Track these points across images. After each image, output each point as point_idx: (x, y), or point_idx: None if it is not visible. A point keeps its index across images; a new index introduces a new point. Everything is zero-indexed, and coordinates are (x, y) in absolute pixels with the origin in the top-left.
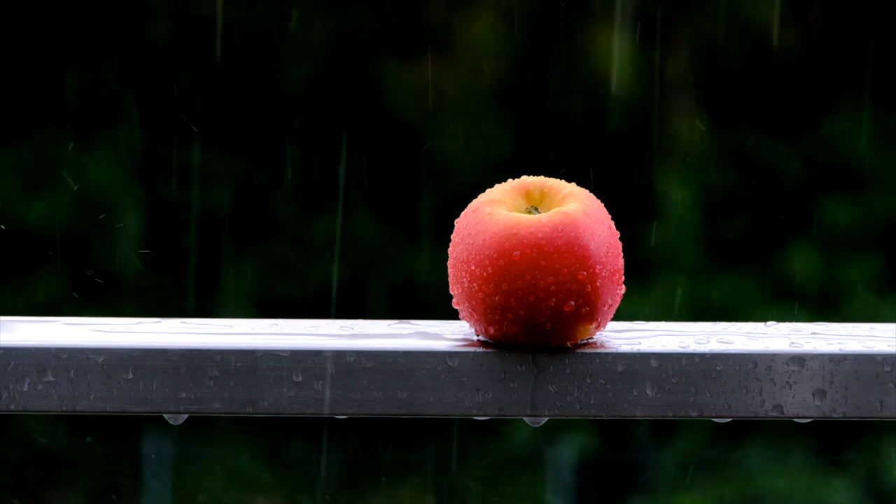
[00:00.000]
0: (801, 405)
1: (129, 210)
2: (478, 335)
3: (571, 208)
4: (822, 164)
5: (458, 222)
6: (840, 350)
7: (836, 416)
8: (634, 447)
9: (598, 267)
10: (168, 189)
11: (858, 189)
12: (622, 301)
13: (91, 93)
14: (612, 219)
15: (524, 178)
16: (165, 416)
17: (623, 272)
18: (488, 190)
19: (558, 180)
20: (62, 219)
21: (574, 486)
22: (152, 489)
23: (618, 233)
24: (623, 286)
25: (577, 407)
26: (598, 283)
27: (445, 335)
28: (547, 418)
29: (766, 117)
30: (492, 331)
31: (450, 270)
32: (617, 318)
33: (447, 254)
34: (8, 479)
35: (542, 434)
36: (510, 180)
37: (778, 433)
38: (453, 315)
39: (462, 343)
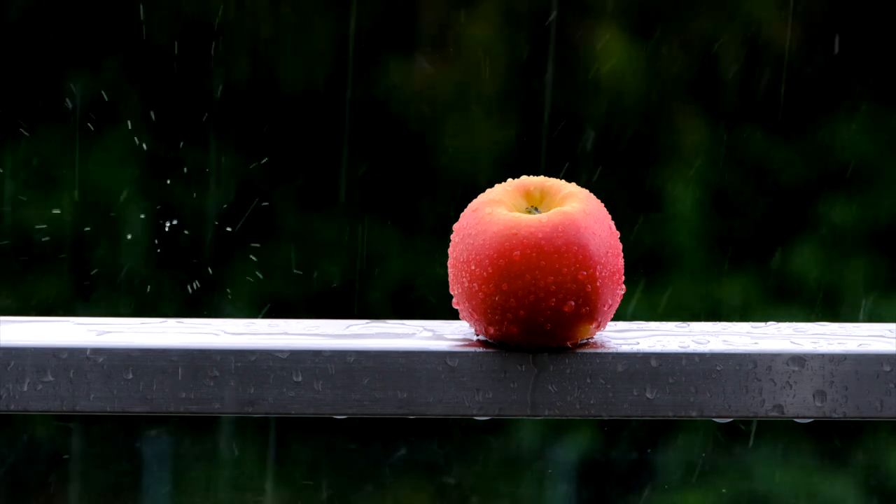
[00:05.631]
0: (801, 405)
1: (129, 210)
2: (478, 335)
3: (571, 208)
4: (822, 163)
5: (458, 222)
6: (840, 350)
7: (836, 416)
8: (634, 447)
9: (598, 267)
10: (169, 189)
11: (859, 189)
12: (623, 301)
13: (93, 92)
14: (613, 219)
15: (524, 178)
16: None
17: (623, 272)
18: (488, 190)
19: (558, 180)
20: (63, 219)
21: (574, 485)
22: (152, 489)
23: (618, 233)
24: (623, 286)
25: (577, 407)
26: (598, 283)
27: (445, 335)
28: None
29: (766, 116)
30: (492, 331)
31: (450, 270)
32: (617, 318)
33: (447, 254)
34: (8, 479)
35: (542, 434)
36: (510, 180)
37: (778, 433)
38: (453, 315)
39: (462, 343)
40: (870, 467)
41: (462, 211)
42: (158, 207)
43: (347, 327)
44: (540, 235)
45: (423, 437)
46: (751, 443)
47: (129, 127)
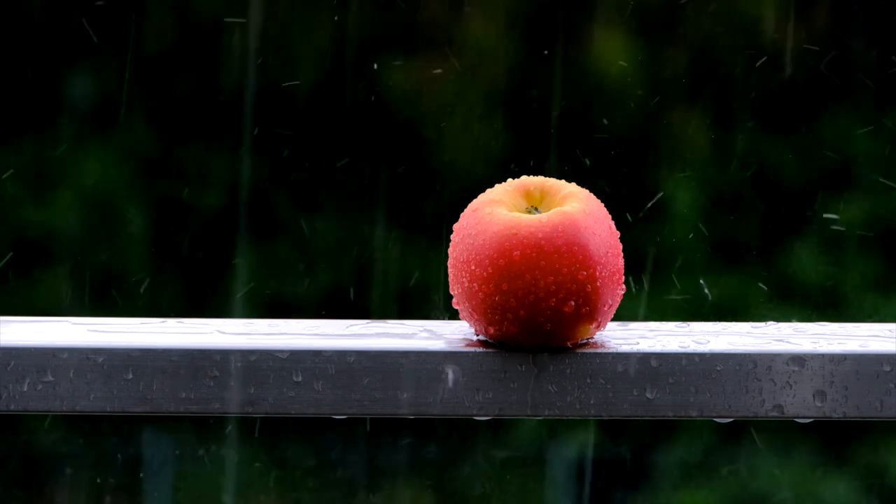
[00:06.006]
0: (801, 405)
1: (129, 210)
2: (478, 335)
3: (571, 208)
4: (822, 163)
5: (458, 222)
6: (840, 350)
7: (836, 416)
8: (634, 447)
9: (598, 267)
10: (169, 189)
11: (859, 189)
12: (623, 301)
13: (93, 93)
14: (613, 219)
15: (524, 178)
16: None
17: (623, 272)
18: (488, 190)
19: (558, 180)
20: (63, 219)
21: (574, 485)
22: (152, 489)
23: (618, 233)
24: (623, 286)
25: (577, 407)
26: (598, 284)
27: (445, 335)
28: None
29: (767, 116)
30: (492, 331)
31: (450, 270)
32: (617, 318)
33: (447, 254)
34: (8, 479)
35: (542, 434)
36: (510, 180)
37: (778, 433)
38: (453, 315)
39: (462, 343)
40: (870, 467)
41: (461, 211)
42: (158, 207)
43: (347, 327)
44: (540, 235)
45: (424, 437)
46: (751, 443)
47: (129, 127)
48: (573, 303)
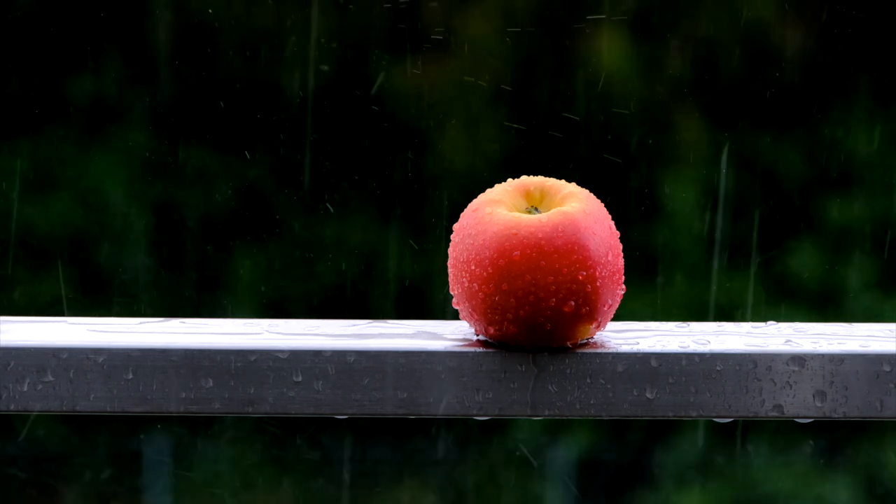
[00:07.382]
0: (801, 405)
1: (130, 210)
2: (478, 335)
3: (571, 208)
4: (822, 163)
5: (458, 222)
6: (840, 350)
7: (836, 416)
8: (634, 447)
9: (598, 267)
10: (169, 189)
11: (858, 189)
12: (623, 301)
13: (94, 93)
14: (613, 219)
15: (524, 178)
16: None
17: (623, 272)
18: (488, 190)
19: (558, 180)
20: (64, 219)
21: (574, 486)
22: (152, 489)
23: (618, 233)
24: (623, 286)
25: (577, 407)
26: (598, 284)
27: (445, 335)
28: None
29: (766, 117)
30: (492, 331)
31: (450, 270)
32: (617, 318)
33: (447, 254)
34: (8, 479)
35: (542, 434)
36: (510, 180)
37: (778, 433)
38: (453, 315)
39: (462, 343)
40: (870, 467)
41: (461, 211)
42: (158, 207)
43: (347, 327)
44: (540, 235)
45: (423, 436)
46: (750, 443)
47: (129, 127)
48: (573, 303)
